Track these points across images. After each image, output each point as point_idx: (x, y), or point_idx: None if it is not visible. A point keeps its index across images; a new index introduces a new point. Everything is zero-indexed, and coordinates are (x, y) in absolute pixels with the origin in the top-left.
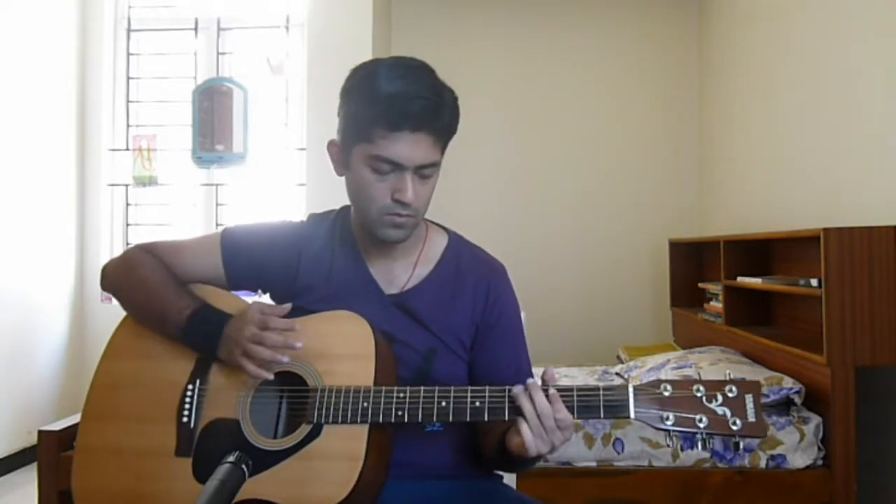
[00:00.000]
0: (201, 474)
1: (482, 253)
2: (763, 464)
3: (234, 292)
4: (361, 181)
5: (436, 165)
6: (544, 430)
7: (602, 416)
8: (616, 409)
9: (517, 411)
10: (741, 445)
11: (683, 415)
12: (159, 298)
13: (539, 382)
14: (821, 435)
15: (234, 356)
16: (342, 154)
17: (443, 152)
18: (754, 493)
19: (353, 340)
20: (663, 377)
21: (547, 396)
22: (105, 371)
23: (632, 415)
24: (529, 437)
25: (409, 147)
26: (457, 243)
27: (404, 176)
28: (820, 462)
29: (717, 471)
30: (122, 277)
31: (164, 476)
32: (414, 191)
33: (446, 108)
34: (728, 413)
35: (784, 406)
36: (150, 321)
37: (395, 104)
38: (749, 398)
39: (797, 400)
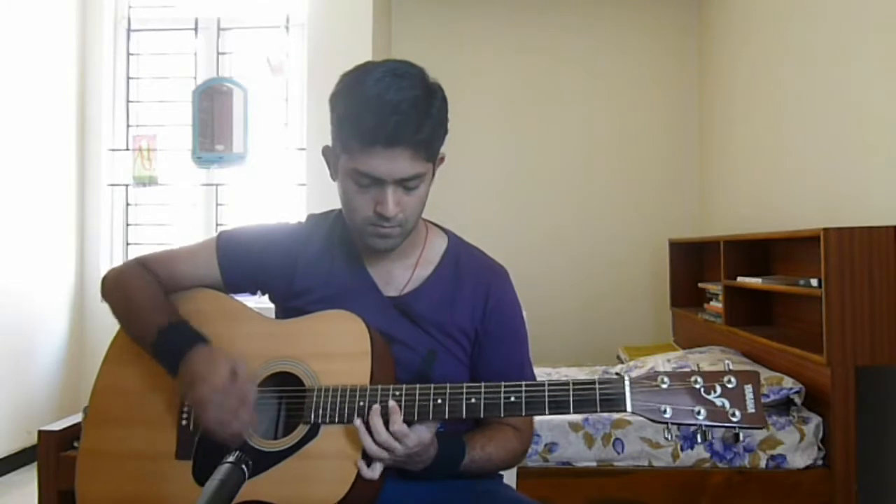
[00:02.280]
0: (201, 477)
1: (482, 255)
2: (763, 464)
3: (232, 295)
4: (346, 191)
5: (419, 177)
6: (377, 447)
7: (598, 409)
8: (612, 403)
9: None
10: (741, 437)
11: (681, 407)
12: (140, 312)
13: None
14: (821, 435)
15: (192, 399)
16: (333, 160)
17: (431, 161)
18: (754, 493)
19: (348, 338)
20: (660, 370)
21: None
22: (107, 375)
23: (628, 408)
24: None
25: (385, 162)
26: (456, 245)
27: (385, 189)
28: (820, 462)
29: (717, 471)
30: (113, 289)
31: (164, 479)
32: (398, 203)
33: (428, 121)
34: (727, 404)
35: (784, 406)
36: (133, 335)
37: (369, 119)
38: (748, 389)
39: (797, 400)
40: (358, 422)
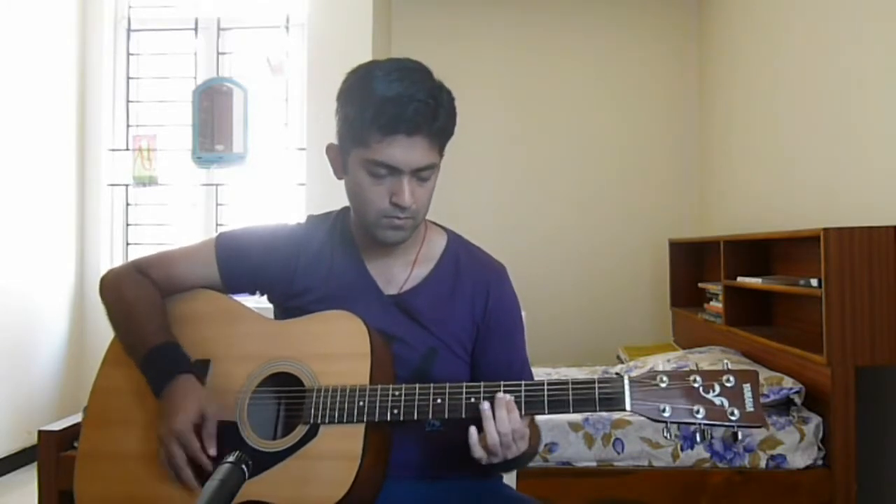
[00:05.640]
0: (200, 477)
1: (481, 253)
2: (763, 464)
3: (231, 295)
4: (359, 185)
5: (433, 167)
6: (500, 447)
7: (598, 409)
8: (612, 402)
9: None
10: (739, 436)
11: (680, 406)
12: (132, 323)
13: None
14: (821, 435)
15: (160, 428)
16: (340, 158)
17: (441, 153)
18: (754, 493)
19: (347, 339)
20: (659, 369)
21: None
22: (106, 376)
23: (628, 407)
24: (482, 453)
25: (404, 151)
26: (456, 243)
27: (401, 179)
28: (820, 462)
29: (717, 471)
30: (109, 294)
31: (163, 480)
32: (412, 193)
33: (442, 111)
34: (726, 403)
35: (784, 406)
36: (124, 345)
37: (390, 108)
38: (747, 388)
39: (797, 400)
40: (486, 405)
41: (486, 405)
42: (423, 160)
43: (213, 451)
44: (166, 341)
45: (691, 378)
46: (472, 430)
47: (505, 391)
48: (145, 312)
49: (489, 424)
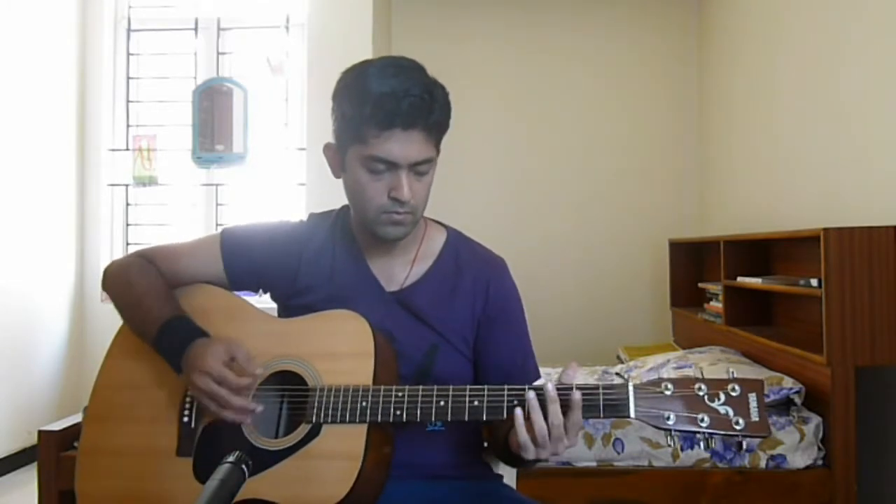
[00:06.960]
0: (202, 474)
1: (481, 248)
2: (763, 464)
3: (235, 293)
4: (357, 182)
5: (430, 161)
6: (549, 440)
7: (602, 415)
8: (616, 409)
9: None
10: (744, 445)
11: (685, 414)
12: (142, 305)
13: (551, 382)
14: (821, 435)
15: (192, 388)
16: (337, 156)
17: (437, 148)
18: (754, 493)
19: (351, 339)
20: (664, 376)
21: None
22: (108, 372)
23: (632, 414)
24: (531, 447)
25: (401, 145)
26: (455, 239)
27: (399, 174)
28: (820, 462)
29: (717, 471)
30: (115, 281)
31: (165, 476)
32: (410, 188)
33: (437, 105)
34: (731, 412)
35: (784, 406)
36: (135, 328)
37: (385, 103)
38: (752, 397)
39: (797, 400)
40: (531, 394)
41: (531, 394)
42: (420, 154)
43: (259, 371)
44: (178, 315)
45: (696, 386)
46: (518, 411)
47: (509, 394)
48: (154, 294)
49: (537, 415)
